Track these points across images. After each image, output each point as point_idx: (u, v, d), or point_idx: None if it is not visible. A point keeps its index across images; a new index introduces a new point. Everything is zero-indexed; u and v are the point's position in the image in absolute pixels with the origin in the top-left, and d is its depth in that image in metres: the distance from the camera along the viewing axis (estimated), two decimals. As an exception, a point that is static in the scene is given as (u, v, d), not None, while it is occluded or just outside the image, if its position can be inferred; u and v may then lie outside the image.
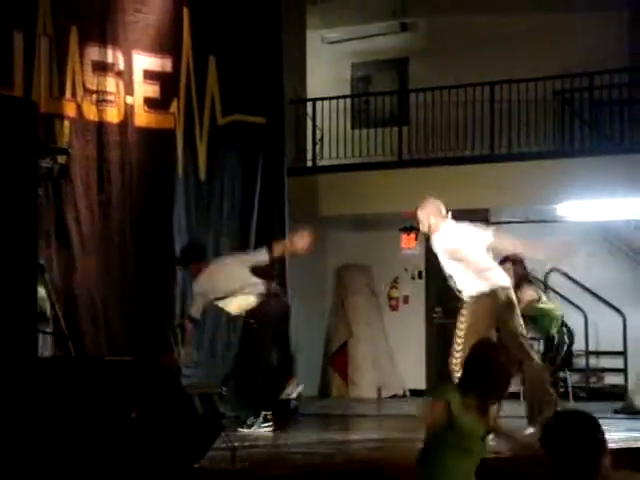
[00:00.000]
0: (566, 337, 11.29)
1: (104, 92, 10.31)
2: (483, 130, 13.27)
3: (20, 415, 6.08)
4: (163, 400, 6.97)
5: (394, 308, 14.92)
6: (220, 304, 9.64)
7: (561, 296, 14.05)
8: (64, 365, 6.95)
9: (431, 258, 14.60)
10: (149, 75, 10.76)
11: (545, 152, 12.97)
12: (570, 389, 12.12)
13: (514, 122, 13.12)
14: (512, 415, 7.73)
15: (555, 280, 14.18)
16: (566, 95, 13.26)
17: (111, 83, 10.38)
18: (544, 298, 11.29)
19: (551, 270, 14.14)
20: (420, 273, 14.86)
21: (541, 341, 11.18)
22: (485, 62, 13.75)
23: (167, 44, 10.94)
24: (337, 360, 14.54)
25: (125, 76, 10.52)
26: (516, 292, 9.16)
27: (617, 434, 8.63)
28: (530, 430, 8.04)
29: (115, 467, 6.34)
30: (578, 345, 13.87)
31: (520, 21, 13.98)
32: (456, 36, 14.42)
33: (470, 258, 8.53)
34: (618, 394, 12.58)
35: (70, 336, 8.20)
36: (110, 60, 10.39)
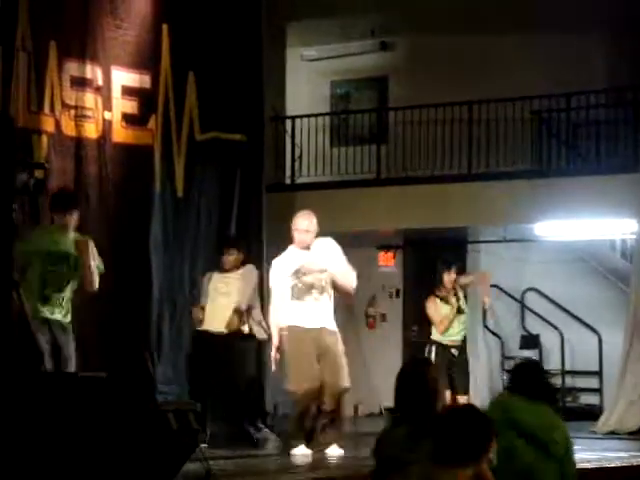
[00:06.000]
0: None
1: (82, 107, 10.31)
2: (461, 149, 13.32)
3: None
4: (137, 416, 6.93)
5: (371, 326, 14.94)
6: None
7: (537, 315, 14.11)
8: (38, 381, 6.92)
9: (409, 276, 14.73)
10: (127, 91, 10.76)
11: (522, 172, 13.02)
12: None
13: (492, 141, 13.18)
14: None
15: (531, 299, 14.24)
16: (544, 115, 13.33)
17: (89, 99, 10.38)
18: None
19: (528, 289, 14.20)
20: (397, 291, 14.88)
21: None
22: (464, 81, 13.81)
23: (146, 60, 10.94)
24: (314, 378, 14.51)
25: (103, 92, 10.51)
26: None
27: (592, 454, 8.64)
28: None
29: (88, 483, 6.30)
30: (554, 364, 13.95)
31: (499, 41, 14.05)
32: (435, 55, 14.49)
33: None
34: (594, 414, 12.61)
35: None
36: (89, 76, 10.39)
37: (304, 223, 8.84)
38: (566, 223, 12.90)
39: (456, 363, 10.18)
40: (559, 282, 13.90)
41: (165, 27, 11.08)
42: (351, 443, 11.00)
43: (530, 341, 13.98)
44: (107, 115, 10.53)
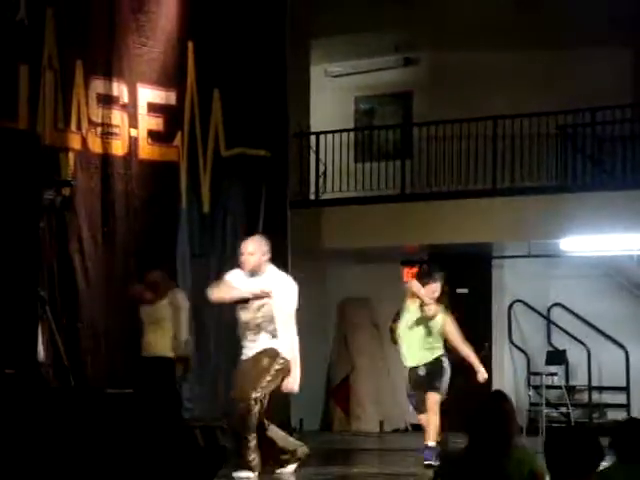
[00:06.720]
0: None
1: (109, 125, 10.38)
2: (486, 164, 13.29)
3: (21, 445, 6.07)
4: (164, 433, 6.95)
5: (396, 342, 14.88)
6: None
7: (564, 331, 14.04)
8: (65, 397, 6.94)
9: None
10: (153, 108, 10.83)
11: (547, 187, 12.98)
12: (572, 424, 12.08)
13: (517, 156, 13.15)
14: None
15: (557, 315, 14.17)
16: (569, 130, 13.29)
17: (116, 116, 10.45)
18: None
19: (553, 305, 14.14)
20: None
21: None
22: (488, 96, 13.79)
23: (172, 77, 11.01)
24: (339, 394, 14.50)
25: (129, 109, 10.58)
26: None
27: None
28: None
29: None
30: (581, 380, 13.87)
31: (524, 56, 14.03)
32: (459, 70, 14.47)
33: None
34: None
35: (71, 367, 8.20)
36: (115, 93, 10.46)
37: (249, 245, 8.56)
38: (591, 238, 12.84)
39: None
40: (585, 297, 13.82)
41: (190, 44, 11.15)
42: (377, 460, 11.01)
43: (556, 357, 13.90)
44: (133, 132, 10.60)
